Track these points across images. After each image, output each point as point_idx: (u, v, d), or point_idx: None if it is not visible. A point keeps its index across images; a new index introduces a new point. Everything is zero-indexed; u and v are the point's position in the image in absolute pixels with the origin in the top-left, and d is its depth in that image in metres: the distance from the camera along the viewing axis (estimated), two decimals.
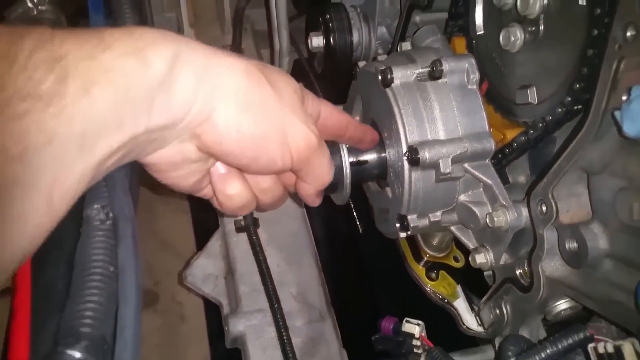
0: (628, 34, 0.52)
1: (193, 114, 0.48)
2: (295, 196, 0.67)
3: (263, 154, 0.53)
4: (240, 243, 1.19)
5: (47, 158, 0.38)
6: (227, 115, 0.49)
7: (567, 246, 0.67)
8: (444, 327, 1.02)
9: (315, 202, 0.67)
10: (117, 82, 0.41)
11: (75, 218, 0.64)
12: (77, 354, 0.53)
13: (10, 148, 0.36)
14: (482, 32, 0.85)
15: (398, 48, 0.99)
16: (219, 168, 0.57)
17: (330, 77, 1.36)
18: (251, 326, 1.07)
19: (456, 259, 1.04)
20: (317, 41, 1.27)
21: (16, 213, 0.38)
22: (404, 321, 0.89)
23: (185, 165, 0.54)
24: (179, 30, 1.66)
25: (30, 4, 0.90)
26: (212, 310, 1.31)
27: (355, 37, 1.25)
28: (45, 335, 0.55)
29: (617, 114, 0.51)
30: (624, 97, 0.53)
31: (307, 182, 0.62)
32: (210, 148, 0.51)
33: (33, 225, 0.39)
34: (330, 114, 0.66)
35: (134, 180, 0.81)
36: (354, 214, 1.25)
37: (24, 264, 0.58)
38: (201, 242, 1.43)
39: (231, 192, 0.58)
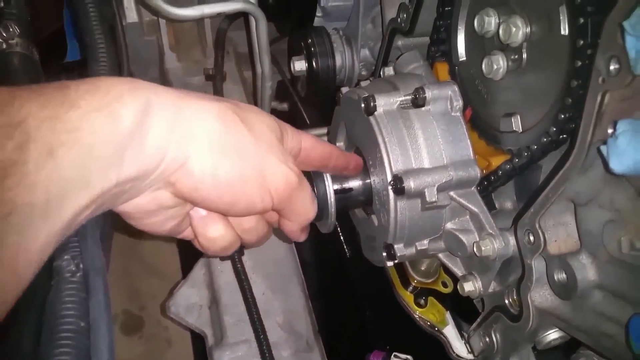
0: (611, 67, 0.51)
1: (166, 162, 0.46)
2: (280, 231, 0.66)
3: (241, 197, 0.52)
4: (225, 271, 1.17)
5: (9, 230, 0.37)
6: (201, 162, 0.48)
7: (555, 277, 0.66)
8: (434, 354, 1.00)
9: (301, 238, 0.66)
10: (84, 141, 0.40)
11: (45, 268, 0.62)
12: None
13: None
14: (464, 58, 0.84)
15: (381, 73, 0.98)
16: (199, 211, 0.56)
17: (314, 100, 1.36)
18: (236, 358, 1.05)
19: (444, 285, 1.03)
20: (299, 65, 1.26)
21: None
22: (392, 356, 0.87)
23: (161, 212, 0.53)
24: (160, 54, 1.65)
25: None
26: (199, 335, 1.28)
27: (338, 61, 1.25)
28: None
29: (603, 148, 0.50)
30: (610, 130, 0.52)
31: (290, 220, 0.61)
32: (186, 195, 0.50)
33: None
34: (312, 145, 0.65)
35: (106, 227, 0.78)
36: (341, 238, 1.24)
37: None
38: (187, 265, 1.41)
39: (213, 235, 0.57)
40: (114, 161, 0.43)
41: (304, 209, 0.59)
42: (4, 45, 0.88)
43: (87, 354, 0.54)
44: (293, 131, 0.60)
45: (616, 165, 0.48)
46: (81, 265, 0.61)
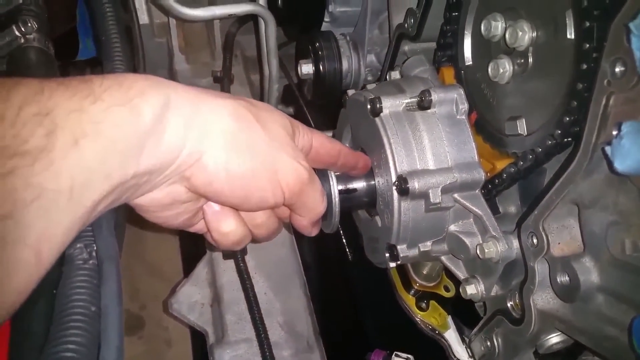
0: (617, 69, 0.52)
1: (182, 157, 0.48)
2: (287, 224, 0.67)
3: (253, 192, 0.53)
4: (228, 270, 1.17)
5: (35, 213, 0.38)
6: (215, 157, 0.50)
7: (558, 280, 0.66)
8: (435, 359, 1.00)
9: (312, 232, 0.67)
10: (106, 134, 0.42)
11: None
12: None
13: None
14: (470, 63, 0.85)
15: (387, 77, 0.99)
16: (213, 206, 0.57)
17: (320, 103, 1.37)
18: (237, 356, 1.05)
19: (447, 289, 1.03)
20: (306, 69, 1.27)
21: (5, 271, 0.38)
22: (394, 355, 0.87)
23: (175, 206, 0.54)
24: (170, 55, 1.66)
25: (17, 33, 0.90)
26: (199, 336, 1.29)
27: (345, 65, 1.26)
28: None
29: (607, 149, 0.51)
30: (614, 132, 0.52)
31: (301, 215, 0.62)
32: (200, 189, 0.51)
33: (22, 281, 0.39)
34: (322, 143, 0.66)
35: (119, 218, 0.79)
36: (344, 241, 1.24)
37: None
38: (189, 266, 1.41)
39: (226, 229, 0.58)
40: (133, 154, 0.44)
41: (314, 204, 0.61)
42: (22, 40, 0.90)
43: (97, 338, 0.54)
44: (304, 129, 0.62)
45: (620, 165, 0.49)
46: (94, 253, 0.62)
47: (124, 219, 0.87)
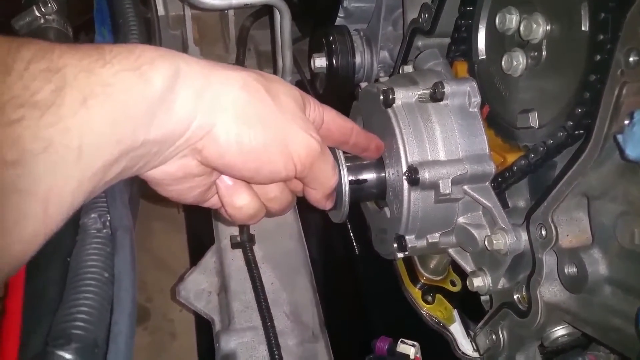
0: (630, 59, 0.52)
1: (193, 129, 0.48)
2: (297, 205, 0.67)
3: (265, 164, 0.53)
4: (236, 259, 1.18)
5: (44, 166, 0.38)
6: (227, 130, 0.50)
7: (566, 271, 0.66)
8: (439, 352, 1.00)
9: (326, 206, 0.67)
10: (116, 97, 0.42)
11: (72, 226, 0.64)
12: (67, 356, 0.53)
13: (5, 154, 0.37)
14: (484, 56, 0.86)
15: (400, 71, 0.99)
16: (226, 180, 0.58)
17: (332, 98, 1.37)
18: (243, 344, 1.06)
19: (453, 283, 1.03)
20: (319, 62, 1.28)
21: (12, 219, 0.38)
22: (399, 342, 0.88)
23: (188, 179, 0.54)
24: (184, 48, 1.68)
25: (37, 13, 0.92)
26: (203, 328, 1.30)
27: (358, 60, 1.26)
28: (36, 337, 0.55)
29: (619, 137, 0.51)
30: (626, 122, 0.53)
31: (313, 188, 0.62)
32: (212, 162, 0.51)
33: (28, 233, 0.39)
34: (334, 119, 0.66)
35: (134, 192, 0.81)
36: (351, 235, 1.25)
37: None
38: (196, 260, 1.43)
39: (239, 203, 0.59)
40: (143, 121, 0.44)
41: (326, 177, 0.61)
42: (42, 20, 0.91)
43: (109, 303, 0.56)
44: (315, 103, 0.62)
45: (632, 152, 0.49)
46: (108, 223, 0.63)
47: (138, 194, 0.88)
